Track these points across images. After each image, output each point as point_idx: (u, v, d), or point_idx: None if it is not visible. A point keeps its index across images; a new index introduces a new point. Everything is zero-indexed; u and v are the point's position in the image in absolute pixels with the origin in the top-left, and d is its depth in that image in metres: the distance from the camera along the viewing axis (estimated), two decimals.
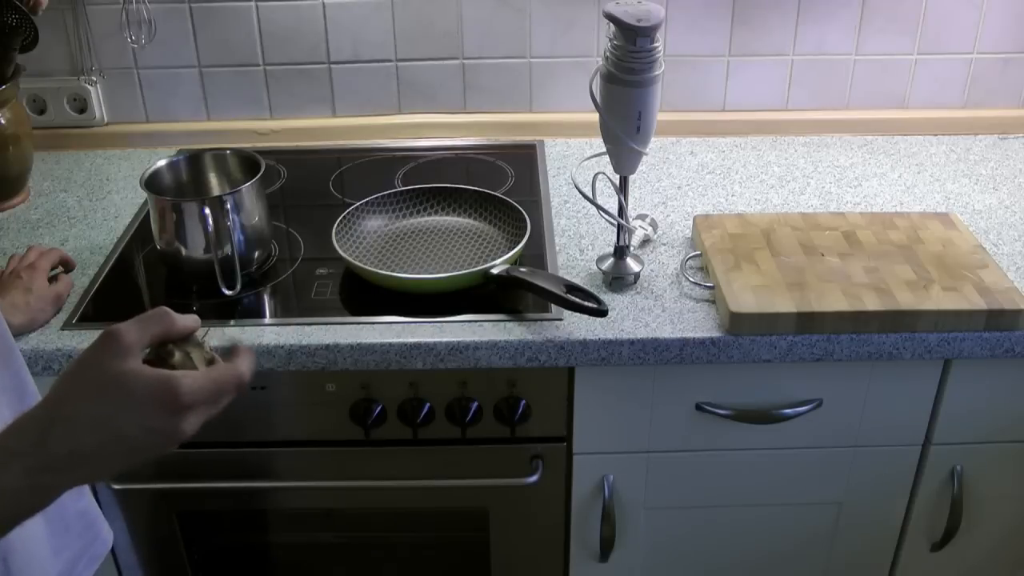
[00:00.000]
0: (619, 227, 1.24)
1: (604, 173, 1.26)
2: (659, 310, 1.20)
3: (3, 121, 1.44)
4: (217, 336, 1.13)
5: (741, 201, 1.47)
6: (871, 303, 1.16)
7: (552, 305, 1.20)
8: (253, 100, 1.67)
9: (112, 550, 1.33)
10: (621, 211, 1.23)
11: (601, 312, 1.13)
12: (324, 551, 1.41)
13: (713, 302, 1.22)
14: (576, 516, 1.32)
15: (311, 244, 1.38)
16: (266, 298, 1.27)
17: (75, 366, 0.67)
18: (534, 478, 1.26)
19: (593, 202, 1.23)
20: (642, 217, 1.37)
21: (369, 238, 1.35)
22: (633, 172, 1.22)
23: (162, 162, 1.32)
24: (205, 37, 1.61)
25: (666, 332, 1.16)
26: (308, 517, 1.37)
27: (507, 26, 1.61)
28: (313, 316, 1.21)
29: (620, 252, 1.25)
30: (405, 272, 1.27)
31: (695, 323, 1.18)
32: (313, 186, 1.56)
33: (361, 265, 1.24)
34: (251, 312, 1.24)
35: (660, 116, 1.19)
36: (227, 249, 1.23)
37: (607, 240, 1.35)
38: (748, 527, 1.36)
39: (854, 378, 1.23)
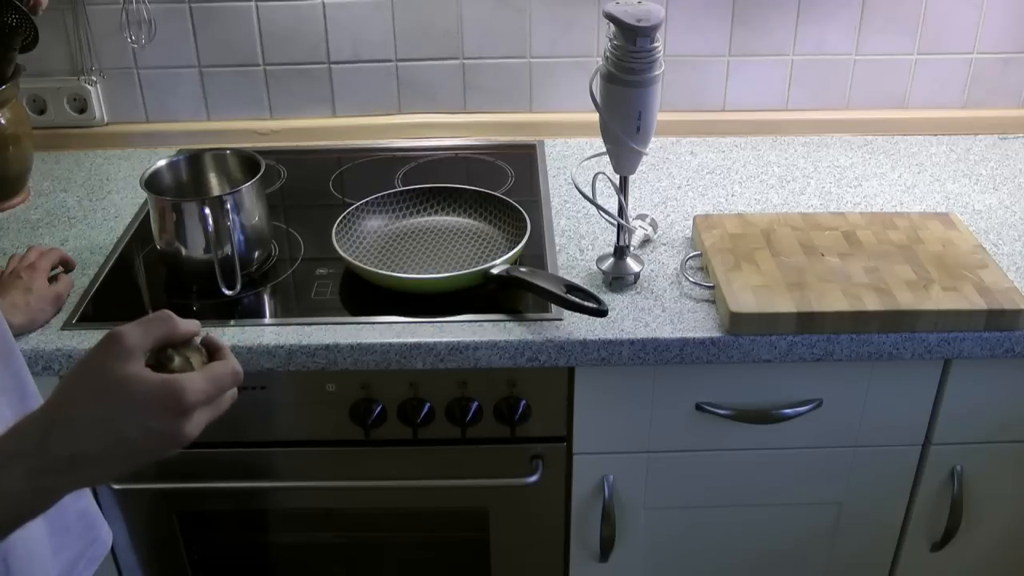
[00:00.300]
0: (619, 227, 1.24)
1: (604, 173, 1.26)
2: (659, 310, 1.20)
3: (3, 121, 1.45)
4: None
5: (741, 201, 1.47)
6: (871, 303, 1.16)
7: (552, 305, 1.20)
8: (253, 100, 1.67)
9: (112, 550, 1.33)
10: (621, 211, 1.23)
11: (601, 312, 1.13)
12: (324, 551, 1.41)
13: (713, 302, 1.22)
14: (576, 516, 1.32)
15: (311, 244, 1.38)
16: (266, 298, 1.27)
17: (78, 368, 0.67)
18: (534, 478, 1.26)
19: (593, 202, 1.23)
20: (642, 217, 1.37)
21: (369, 238, 1.35)
22: (633, 172, 1.22)
23: (162, 162, 1.32)
24: (205, 37, 1.61)
25: (666, 332, 1.16)
26: (308, 517, 1.37)
27: (507, 26, 1.61)
28: (313, 316, 1.21)
29: (620, 252, 1.25)
30: (405, 272, 1.27)
31: (695, 323, 1.18)
32: (313, 186, 1.56)
33: (361, 265, 1.24)
34: (251, 312, 1.24)
35: (660, 116, 1.19)
36: (227, 249, 1.23)
37: (607, 240, 1.35)
38: (748, 527, 1.36)
39: (854, 378, 1.23)
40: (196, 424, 0.67)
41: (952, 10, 1.60)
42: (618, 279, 1.25)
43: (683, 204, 1.46)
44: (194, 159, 1.36)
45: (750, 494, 1.32)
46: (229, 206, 1.22)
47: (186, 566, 1.38)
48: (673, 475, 1.30)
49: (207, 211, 1.20)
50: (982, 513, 1.34)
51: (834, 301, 1.16)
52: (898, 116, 1.68)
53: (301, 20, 1.60)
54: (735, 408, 1.23)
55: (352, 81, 1.66)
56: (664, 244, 1.35)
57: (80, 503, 0.94)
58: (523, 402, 1.23)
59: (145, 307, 1.27)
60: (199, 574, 1.39)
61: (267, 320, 1.22)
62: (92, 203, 1.51)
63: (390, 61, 1.64)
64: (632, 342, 1.16)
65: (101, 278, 1.30)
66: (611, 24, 1.10)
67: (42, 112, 1.66)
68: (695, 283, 1.24)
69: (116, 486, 1.25)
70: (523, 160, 1.61)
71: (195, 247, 1.24)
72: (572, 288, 1.16)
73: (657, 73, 1.12)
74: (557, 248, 1.35)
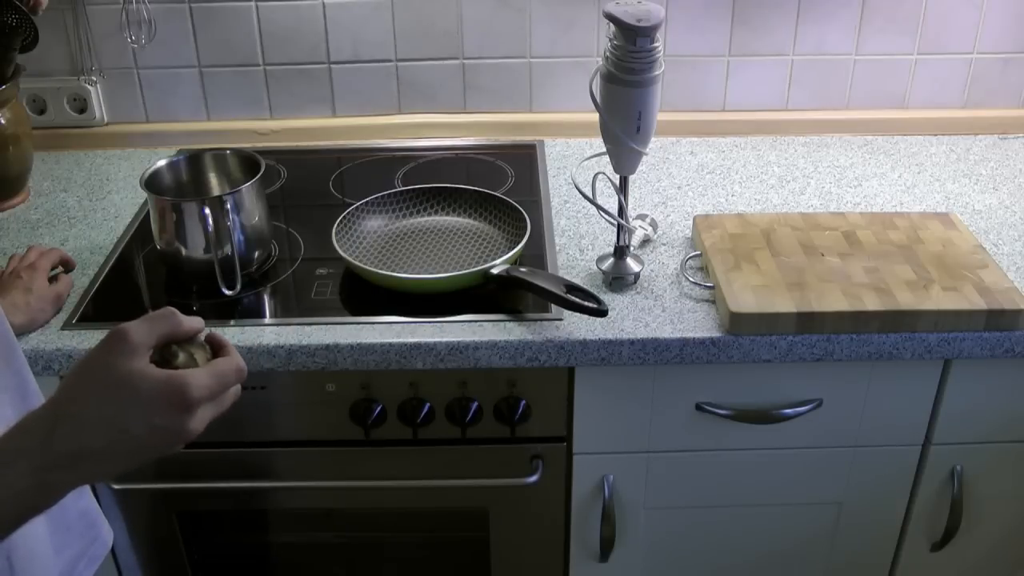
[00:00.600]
0: (619, 227, 1.24)
1: (604, 173, 1.26)
2: (659, 310, 1.20)
3: (3, 121, 1.45)
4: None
5: (741, 201, 1.47)
6: (871, 303, 1.16)
7: (552, 305, 1.20)
8: (253, 100, 1.67)
9: (112, 550, 1.33)
10: (621, 211, 1.23)
11: (601, 312, 1.13)
12: (324, 551, 1.41)
13: (713, 302, 1.22)
14: (576, 516, 1.32)
15: (311, 244, 1.38)
16: (266, 298, 1.27)
17: (83, 365, 0.68)
18: (534, 478, 1.26)
19: (593, 202, 1.23)
20: (642, 217, 1.37)
21: (369, 238, 1.35)
22: (633, 172, 1.22)
23: (162, 162, 1.32)
24: (205, 37, 1.61)
25: (666, 332, 1.16)
26: (308, 517, 1.37)
27: (507, 26, 1.61)
28: (313, 316, 1.21)
29: (620, 252, 1.25)
30: (405, 272, 1.27)
31: (695, 323, 1.18)
32: (313, 186, 1.56)
33: (361, 265, 1.24)
34: (251, 312, 1.24)
35: (660, 116, 1.19)
36: (227, 249, 1.23)
37: (607, 240, 1.35)
38: (748, 527, 1.36)
39: (854, 378, 1.23)
40: (200, 420, 0.68)
41: (952, 10, 1.60)
42: (618, 279, 1.25)
43: (683, 204, 1.46)
44: (194, 159, 1.36)
45: (750, 494, 1.32)
46: (229, 206, 1.22)
47: (186, 566, 1.38)
48: (673, 475, 1.30)
49: (207, 211, 1.20)
50: (982, 513, 1.34)
51: (834, 301, 1.16)
52: (898, 116, 1.68)
53: (301, 20, 1.60)
54: (735, 408, 1.23)
55: (352, 81, 1.66)
56: (664, 244, 1.35)
57: (81, 502, 0.94)
58: (523, 402, 1.23)
59: (145, 307, 1.27)
60: (199, 574, 1.39)
61: (267, 320, 1.22)
62: (92, 203, 1.51)
63: (390, 61, 1.64)
64: (632, 342, 1.16)
65: (101, 278, 1.30)
66: (611, 24, 1.10)
67: (42, 112, 1.66)
68: (695, 283, 1.24)
69: (116, 486, 1.25)
70: (523, 160, 1.62)
71: (195, 247, 1.24)
72: (572, 288, 1.16)
73: (657, 73, 1.12)
74: (557, 248, 1.35)
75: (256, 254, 1.30)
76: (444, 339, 1.16)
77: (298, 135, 1.69)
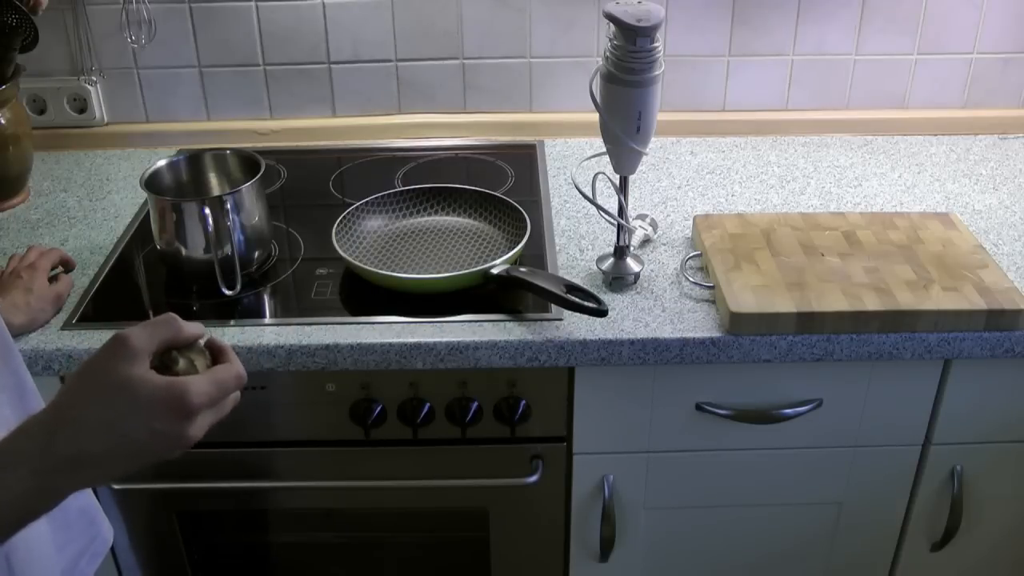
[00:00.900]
0: (619, 227, 1.24)
1: (604, 173, 1.26)
2: (659, 310, 1.20)
3: (3, 121, 1.45)
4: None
5: (741, 201, 1.47)
6: (871, 303, 1.16)
7: (552, 305, 1.20)
8: (253, 100, 1.67)
9: (112, 550, 1.33)
10: (621, 211, 1.23)
11: (601, 312, 1.13)
12: (324, 551, 1.41)
13: (713, 302, 1.22)
14: (576, 516, 1.32)
15: (311, 244, 1.38)
16: (266, 298, 1.27)
17: (84, 369, 0.68)
18: (534, 478, 1.26)
19: (593, 202, 1.23)
20: (642, 217, 1.37)
21: (369, 238, 1.35)
22: (633, 172, 1.22)
23: (162, 162, 1.32)
24: (205, 37, 1.61)
25: (666, 332, 1.16)
26: (308, 517, 1.37)
27: (507, 26, 1.61)
28: (313, 316, 1.21)
29: (620, 252, 1.25)
30: (405, 272, 1.27)
31: (695, 323, 1.18)
32: (313, 186, 1.56)
33: (361, 265, 1.24)
34: (251, 312, 1.24)
35: (660, 116, 1.19)
36: (227, 249, 1.23)
37: (607, 240, 1.35)
38: (748, 527, 1.36)
39: (854, 378, 1.23)
40: (199, 427, 0.68)
41: (952, 10, 1.60)
42: (618, 279, 1.25)
43: (683, 204, 1.46)
44: (194, 159, 1.36)
45: (750, 494, 1.32)
46: (229, 206, 1.22)
47: (186, 566, 1.38)
48: (673, 475, 1.30)
49: (207, 211, 1.20)
50: (982, 513, 1.34)
51: (834, 301, 1.16)
52: (898, 116, 1.68)
53: (301, 20, 1.60)
54: (735, 408, 1.23)
55: (352, 81, 1.66)
56: (664, 244, 1.35)
57: (80, 500, 0.94)
58: (523, 402, 1.23)
59: (145, 307, 1.27)
60: (199, 574, 1.39)
61: (267, 320, 1.22)
62: (92, 203, 1.51)
63: (390, 61, 1.64)
64: (632, 342, 1.16)
65: (101, 278, 1.30)
66: (611, 24, 1.10)
67: (42, 112, 1.66)
68: (695, 283, 1.24)
69: (116, 486, 1.25)
70: (523, 160, 1.62)
71: (195, 247, 1.24)
72: (572, 288, 1.16)
73: (657, 73, 1.12)
74: (557, 248, 1.35)
75: (256, 254, 1.30)
76: (444, 339, 1.16)
77: (298, 135, 1.69)
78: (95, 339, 1.16)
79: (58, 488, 0.66)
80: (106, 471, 0.67)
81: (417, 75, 1.66)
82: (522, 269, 1.20)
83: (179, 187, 1.34)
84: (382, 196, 1.39)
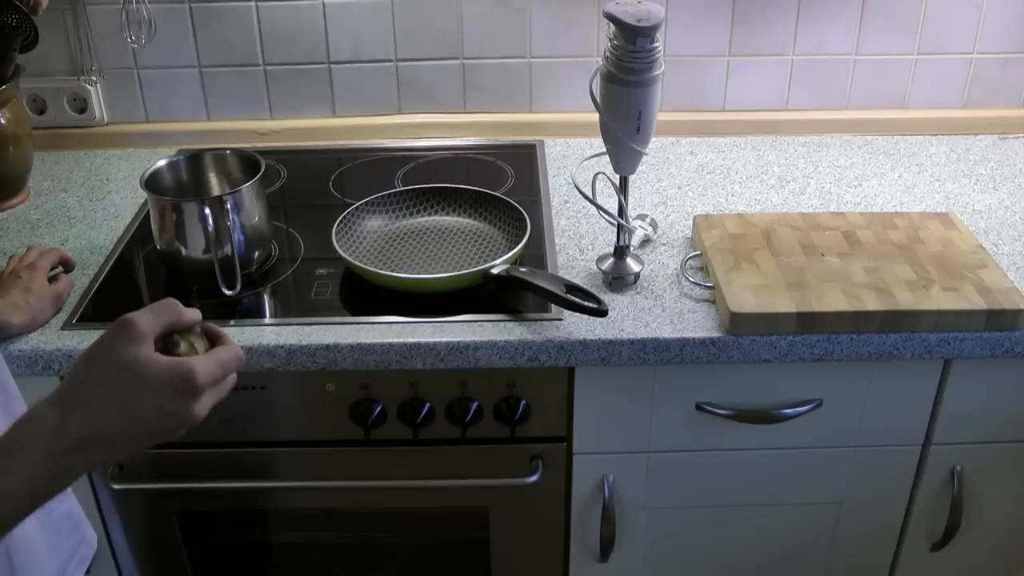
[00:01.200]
0: (619, 227, 1.24)
1: (604, 173, 1.26)
2: (659, 310, 1.20)
3: (3, 121, 1.45)
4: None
5: (741, 201, 1.47)
6: (871, 303, 1.16)
7: (552, 305, 1.20)
8: (253, 100, 1.67)
9: (112, 550, 1.34)
10: (621, 211, 1.23)
11: (601, 312, 1.13)
12: (324, 551, 1.41)
13: (713, 302, 1.22)
14: (576, 516, 1.32)
15: (311, 244, 1.38)
16: (266, 298, 1.27)
17: (91, 353, 0.70)
18: (534, 478, 1.26)
19: (593, 202, 1.23)
20: (642, 217, 1.37)
21: (369, 238, 1.35)
22: (633, 172, 1.22)
23: (162, 162, 1.32)
24: (205, 37, 1.61)
25: (666, 332, 1.16)
26: (308, 517, 1.37)
27: (507, 26, 1.61)
28: (313, 316, 1.21)
29: (620, 252, 1.25)
30: (405, 272, 1.27)
31: (695, 323, 1.18)
32: (313, 186, 1.56)
33: (361, 265, 1.24)
34: (251, 312, 1.24)
35: (660, 116, 1.19)
36: (227, 249, 1.23)
37: (607, 240, 1.35)
38: (748, 527, 1.36)
39: (854, 378, 1.23)
40: (204, 405, 0.71)
41: (952, 10, 1.60)
42: (618, 279, 1.25)
43: (683, 204, 1.46)
44: (194, 159, 1.36)
45: (750, 494, 1.32)
46: (229, 206, 1.22)
47: (186, 566, 1.38)
48: (673, 475, 1.30)
49: (207, 211, 1.20)
50: (982, 513, 1.34)
51: (834, 301, 1.16)
52: (898, 116, 1.68)
53: (301, 20, 1.60)
54: (735, 408, 1.23)
55: (352, 81, 1.66)
56: (664, 244, 1.35)
57: (64, 505, 0.95)
58: (523, 402, 1.23)
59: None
60: (199, 574, 1.39)
61: (267, 320, 1.22)
62: (92, 203, 1.51)
63: (390, 61, 1.64)
64: (632, 342, 1.16)
65: (101, 278, 1.30)
66: (611, 24, 1.10)
67: (42, 112, 1.66)
68: (695, 283, 1.24)
69: (116, 486, 1.25)
70: (523, 160, 1.62)
71: (195, 247, 1.24)
72: (572, 288, 1.16)
73: (657, 73, 1.12)
74: (557, 248, 1.35)
75: (256, 254, 1.30)
76: (444, 339, 1.16)
77: (298, 135, 1.69)
78: (95, 339, 1.16)
79: (73, 468, 0.68)
80: (116, 450, 0.69)
81: (417, 75, 1.66)
82: (522, 269, 1.20)
83: (179, 187, 1.34)
84: (382, 196, 1.39)
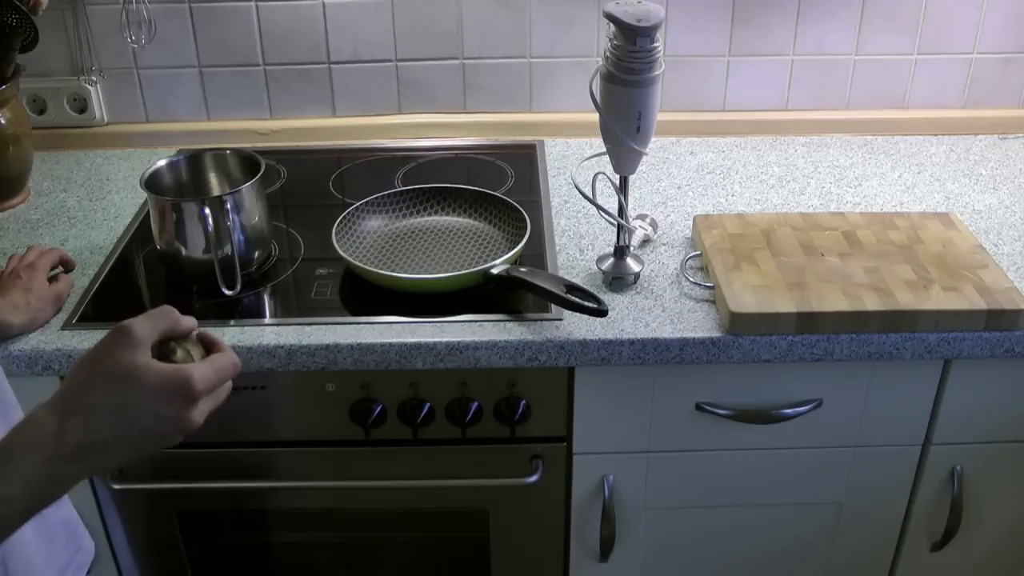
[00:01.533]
0: (619, 227, 1.24)
1: (604, 173, 1.26)
2: (659, 310, 1.20)
3: (3, 121, 1.45)
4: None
5: (741, 201, 1.47)
6: (871, 303, 1.16)
7: (552, 305, 1.20)
8: (253, 100, 1.67)
9: (112, 550, 1.34)
10: (621, 211, 1.23)
11: (601, 312, 1.13)
12: (324, 551, 1.41)
13: (713, 302, 1.22)
14: (576, 516, 1.32)
15: (311, 244, 1.38)
16: (266, 298, 1.27)
17: (88, 359, 0.70)
18: (534, 478, 1.26)
19: (593, 202, 1.23)
20: (642, 217, 1.37)
21: (369, 238, 1.35)
22: (633, 172, 1.22)
23: (162, 162, 1.32)
24: (205, 37, 1.61)
25: (666, 332, 1.16)
26: (308, 517, 1.37)
27: (507, 26, 1.61)
28: (313, 316, 1.21)
29: (620, 252, 1.25)
30: (405, 272, 1.27)
31: (695, 323, 1.18)
32: (313, 186, 1.56)
33: (361, 265, 1.24)
34: (251, 312, 1.24)
35: (660, 116, 1.19)
36: (227, 249, 1.23)
37: (607, 240, 1.35)
38: (748, 527, 1.36)
39: (854, 378, 1.23)
40: (201, 412, 0.71)
41: (952, 10, 1.60)
42: (618, 279, 1.25)
43: (683, 204, 1.46)
44: (194, 159, 1.36)
45: (750, 494, 1.32)
46: (229, 206, 1.22)
47: (186, 566, 1.38)
48: (673, 475, 1.30)
49: (207, 211, 1.20)
50: (982, 513, 1.34)
51: (834, 301, 1.16)
52: (898, 116, 1.68)
53: (301, 20, 1.60)
54: (735, 408, 1.23)
55: (352, 81, 1.66)
56: (664, 244, 1.35)
57: (61, 513, 0.95)
58: (523, 402, 1.23)
59: (145, 307, 1.25)
60: (199, 574, 1.39)
61: (267, 320, 1.22)
62: (92, 203, 1.51)
63: (390, 61, 1.64)
64: (632, 342, 1.16)
65: (101, 278, 1.30)
66: (611, 24, 1.10)
67: (42, 112, 1.66)
68: (695, 283, 1.24)
69: (116, 486, 1.25)
70: (523, 160, 1.62)
71: (195, 247, 1.24)
72: (572, 288, 1.16)
73: (657, 73, 1.12)
74: (557, 248, 1.35)
75: (256, 254, 1.30)
76: (444, 339, 1.16)
77: (298, 135, 1.69)
78: (95, 339, 1.15)
79: (69, 475, 0.68)
80: (114, 457, 0.69)
81: (417, 75, 1.66)
82: (522, 269, 1.20)
83: (179, 187, 1.34)
84: (382, 196, 1.39)
